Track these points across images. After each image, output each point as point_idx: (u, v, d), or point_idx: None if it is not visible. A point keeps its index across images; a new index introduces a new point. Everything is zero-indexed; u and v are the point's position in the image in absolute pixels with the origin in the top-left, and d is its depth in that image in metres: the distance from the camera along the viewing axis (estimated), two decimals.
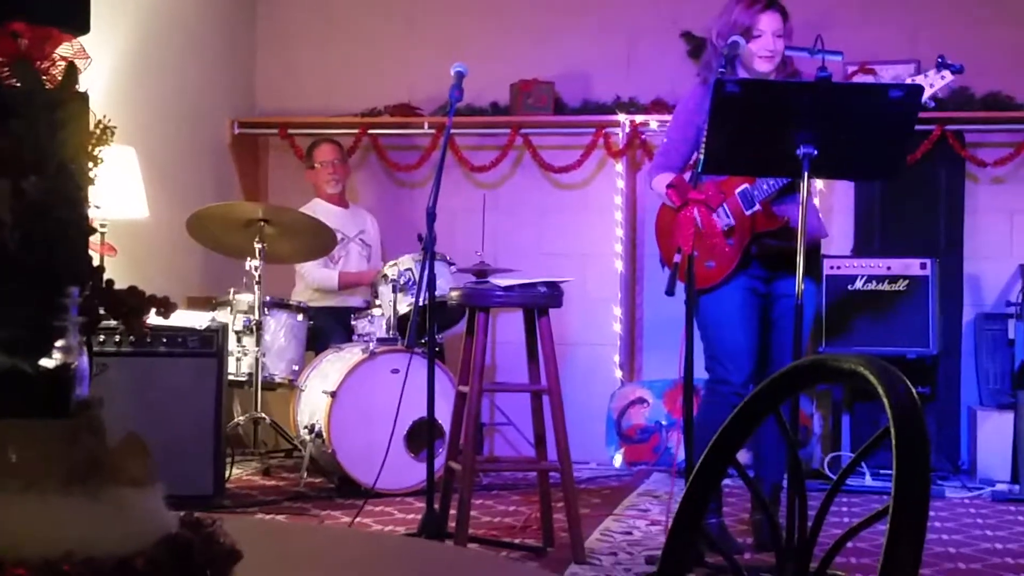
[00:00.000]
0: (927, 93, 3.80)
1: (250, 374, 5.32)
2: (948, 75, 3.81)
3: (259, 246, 5.28)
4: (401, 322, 5.31)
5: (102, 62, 5.27)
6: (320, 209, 5.96)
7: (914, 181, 5.96)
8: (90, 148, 1.30)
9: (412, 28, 6.76)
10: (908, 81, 3.87)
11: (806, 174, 3.50)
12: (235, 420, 5.44)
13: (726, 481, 5.09)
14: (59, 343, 1.13)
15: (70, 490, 1.06)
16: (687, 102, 4.19)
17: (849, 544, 1.51)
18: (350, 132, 6.57)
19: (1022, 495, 5.21)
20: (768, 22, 4.02)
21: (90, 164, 1.32)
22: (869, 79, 5.87)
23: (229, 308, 5.35)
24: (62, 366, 1.13)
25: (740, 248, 4.03)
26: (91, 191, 1.40)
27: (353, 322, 5.66)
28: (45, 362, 1.12)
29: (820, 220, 4.41)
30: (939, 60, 3.84)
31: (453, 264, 5.39)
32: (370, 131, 6.59)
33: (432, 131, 6.46)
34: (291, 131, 6.64)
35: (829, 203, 6.27)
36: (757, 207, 4.01)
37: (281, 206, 5.66)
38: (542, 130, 6.50)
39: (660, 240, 4.24)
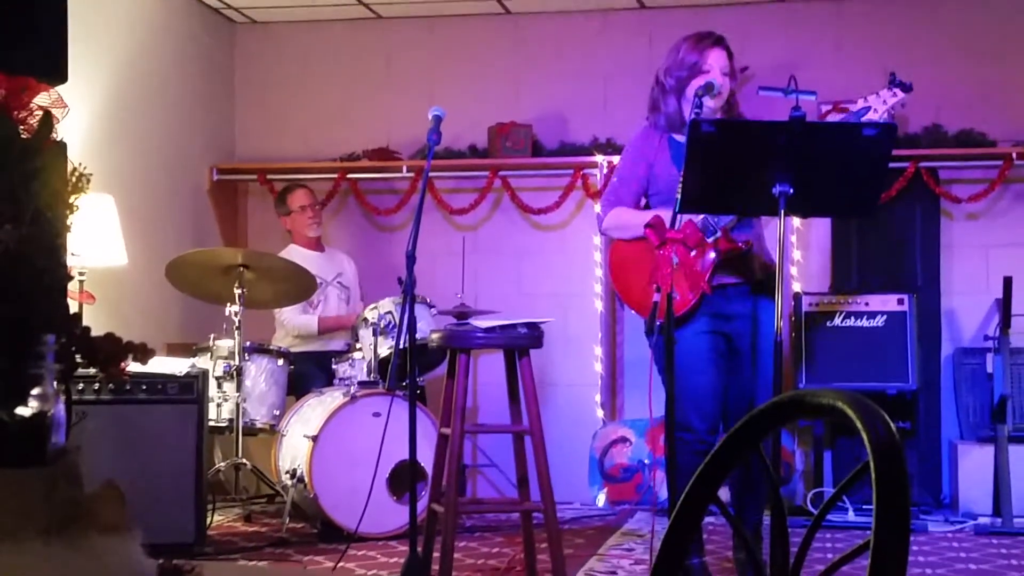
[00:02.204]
0: (880, 110, 3.84)
1: (231, 420, 5.29)
2: (899, 93, 3.86)
3: (239, 292, 5.27)
4: (382, 365, 5.30)
5: (80, 111, 5.28)
6: (297, 254, 5.96)
7: (890, 218, 6.01)
8: (67, 196, 1.31)
9: (389, 73, 6.80)
10: (860, 102, 3.90)
11: (782, 212, 3.52)
12: (216, 466, 5.41)
13: (709, 520, 5.09)
14: (35, 391, 1.13)
15: (48, 538, 1.05)
16: (636, 141, 4.21)
17: None
18: (329, 177, 6.59)
19: (1004, 528, 5.21)
20: (715, 59, 4.07)
21: (67, 212, 1.32)
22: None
23: (209, 354, 5.33)
24: (38, 414, 1.12)
25: (707, 273, 4.02)
26: (68, 239, 1.40)
27: (334, 366, 5.65)
28: (21, 410, 1.12)
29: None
30: (890, 78, 3.89)
31: (433, 306, 5.39)
32: (349, 176, 6.60)
33: (411, 175, 6.47)
34: (270, 177, 6.65)
35: (806, 240, 6.30)
36: (718, 234, 4.01)
37: (261, 251, 5.66)
38: (520, 172, 6.53)
39: (616, 279, 4.21)
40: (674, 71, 4.08)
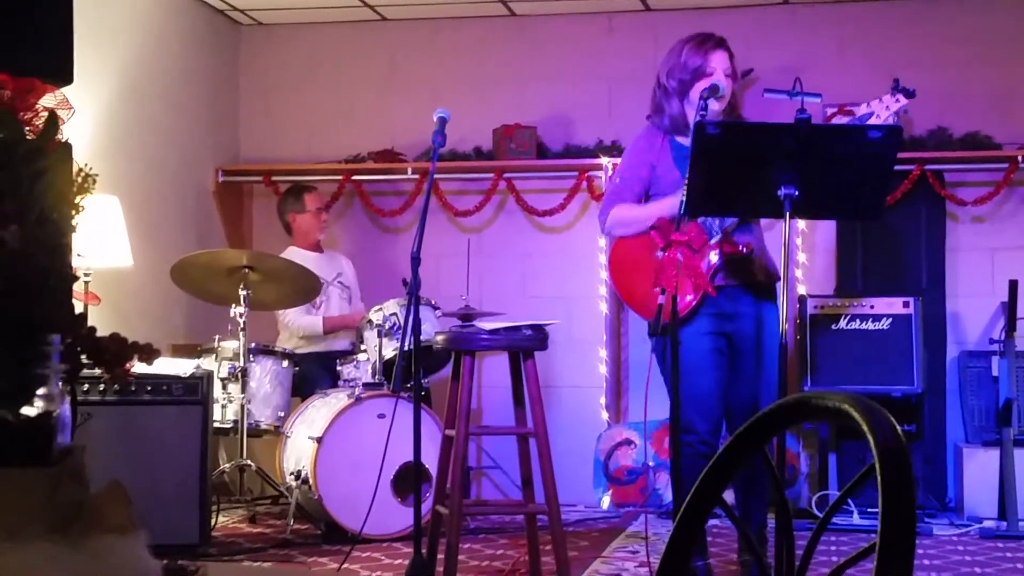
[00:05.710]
0: (884, 116, 3.85)
1: (235, 421, 5.29)
2: (903, 99, 3.88)
3: (244, 293, 5.27)
4: (387, 367, 5.30)
5: (86, 112, 5.28)
6: (297, 255, 5.96)
7: (895, 221, 6.00)
8: (72, 197, 1.31)
9: (394, 75, 6.80)
10: (863, 107, 3.91)
11: (787, 215, 3.52)
12: (221, 467, 5.41)
13: (714, 522, 5.09)
14: (41, 391, 1.13)
15: (52, 538, 1.05)
16: (637, 142, 4.20)
17: None
18: (334, 179, 6.59)
19: (1010, 531, 5.21)
20: (718, 61, 4.06)
21: (72, 213, 1.32)
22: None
23: (214, 355, 5.34)
24: (44, 414, 1.12)
25: (709, 274, 4.01)
26: (74, 239, 1.40)
27: (339, 367, 5.65)
28: (27, 410, 1.12)
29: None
30: (894, 84, 3.90)
31: (438, 308, 5.39)
32: (354, 177, 6.60)
33: (416, 176, 6.48)
34: (275, 178, 6.65)
35: (811, 242, 6.30)
36: (718, 235, 4.01)
37: (265, 253, 5.67)
38: (525, 174, 6.53)
39: (617, 281, 4.20)
40: (677, 73, 4.07)
